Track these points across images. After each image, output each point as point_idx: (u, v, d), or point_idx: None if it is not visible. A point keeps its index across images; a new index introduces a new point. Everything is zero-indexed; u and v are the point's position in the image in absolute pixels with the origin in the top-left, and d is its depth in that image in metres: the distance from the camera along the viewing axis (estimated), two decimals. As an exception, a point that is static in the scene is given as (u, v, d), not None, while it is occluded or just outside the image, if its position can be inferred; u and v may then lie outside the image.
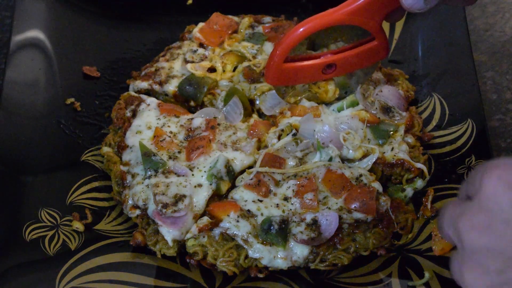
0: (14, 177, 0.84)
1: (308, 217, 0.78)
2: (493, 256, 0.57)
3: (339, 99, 0.86)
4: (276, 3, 1.02)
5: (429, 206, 0.82)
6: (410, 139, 0.86)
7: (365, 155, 0.83)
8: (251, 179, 0.80)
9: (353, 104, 0.86)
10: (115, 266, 0.78)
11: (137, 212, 0.81)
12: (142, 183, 0.82)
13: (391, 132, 0.85)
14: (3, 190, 0.82)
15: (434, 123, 0.90)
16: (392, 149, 0.84)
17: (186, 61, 0.92)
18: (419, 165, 0.83)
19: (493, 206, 0.57)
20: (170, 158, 0.83)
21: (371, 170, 0.82)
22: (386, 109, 0.87)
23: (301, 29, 0.78)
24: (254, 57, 0.92)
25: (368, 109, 0.86)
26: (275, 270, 0.78)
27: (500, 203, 0.57)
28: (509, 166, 0.58)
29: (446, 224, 0.61)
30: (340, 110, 0.86)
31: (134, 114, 0.87)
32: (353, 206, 0.79)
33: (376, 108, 0.87)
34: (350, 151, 0.83)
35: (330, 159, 0.82)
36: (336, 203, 0.79)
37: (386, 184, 0.84)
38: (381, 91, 0.89)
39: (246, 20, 0.96)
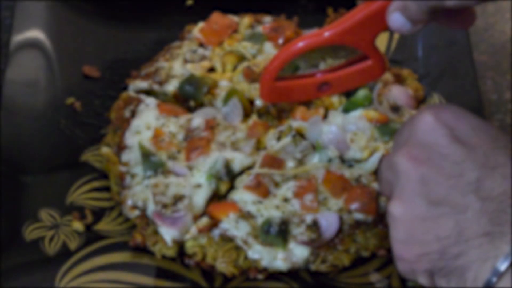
0: (14, 177, 0.84)
1: (308, 218, 0.78)
2: (428, 188, 0.58)
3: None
4: (275, 3, 1.01)
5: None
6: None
7: (371, 154, 0.83)
8: (251, 180, 0.80)
9: (366, 100, 0.85)
10: (115, 266, 0.78)
11: (137, 212, 0.81)
12: (141, 183, 0.82)
13: None
14: (3, 190, 0.82)
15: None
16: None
17: (186, 61, 0.92)
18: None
19: (429, 141, 0.59)
20: (169, 158, 0.83)
21: (375, 170, 0.82)
22: (395, 108, 0.87)
23: (292, 49, 0.76)
24: (254, 57, 0.92)
25: (377, 108, 0.86)
26: (274, 271, 0.78)
27: (437, 138, 0.59)
28: (444, 107, 0.61)
29: (384, 168, 0.62)
30: (350, 106, 0.86)
31: (133, 114, 0.87)
32: (353, 206, 0.79)
33: (385, 107, 0.86)
34: (357, 152, 0.83)
35: (330, 160, 0.82)
36: (336, 204, 0.79)
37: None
38: (390, 91, 0.88)
39: (246, 20, 0.96)
